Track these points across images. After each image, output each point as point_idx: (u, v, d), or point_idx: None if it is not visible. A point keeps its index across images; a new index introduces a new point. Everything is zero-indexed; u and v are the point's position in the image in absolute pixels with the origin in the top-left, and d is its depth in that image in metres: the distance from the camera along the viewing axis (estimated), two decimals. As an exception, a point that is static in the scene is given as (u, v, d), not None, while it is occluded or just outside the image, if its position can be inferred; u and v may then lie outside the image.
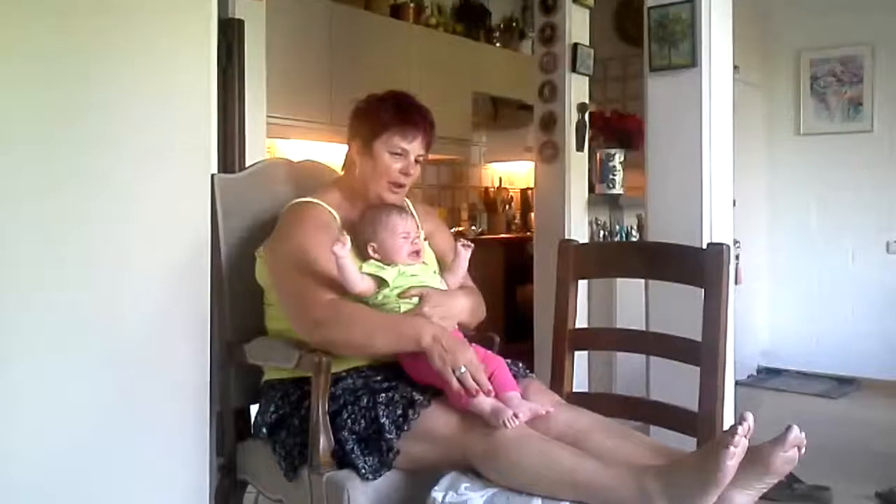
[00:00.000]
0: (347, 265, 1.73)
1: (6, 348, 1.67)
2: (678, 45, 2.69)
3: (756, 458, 1.44)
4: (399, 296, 1.79)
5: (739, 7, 2.95)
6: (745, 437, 1.41)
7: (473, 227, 5.90)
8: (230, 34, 3.35)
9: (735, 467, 1.41)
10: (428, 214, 2.14)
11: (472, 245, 1.94)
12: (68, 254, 1.76)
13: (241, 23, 3.41)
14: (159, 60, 1.91)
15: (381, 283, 1.79)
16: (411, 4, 5.47)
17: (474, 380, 1.62)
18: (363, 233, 1.87)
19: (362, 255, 1.85)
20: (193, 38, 1.99)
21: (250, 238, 2.01)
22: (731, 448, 1.39)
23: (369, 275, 1.79)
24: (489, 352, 1.80)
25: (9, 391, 1.67)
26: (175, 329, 1.94)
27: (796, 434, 1.44)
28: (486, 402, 1.61)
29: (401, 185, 1.93)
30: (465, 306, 1.90)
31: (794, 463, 1.47)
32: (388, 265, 1.81)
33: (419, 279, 1.83)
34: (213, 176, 2.01)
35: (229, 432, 2.00)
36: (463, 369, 1.62)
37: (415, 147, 1.92)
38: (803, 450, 1.47)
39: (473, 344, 1.79)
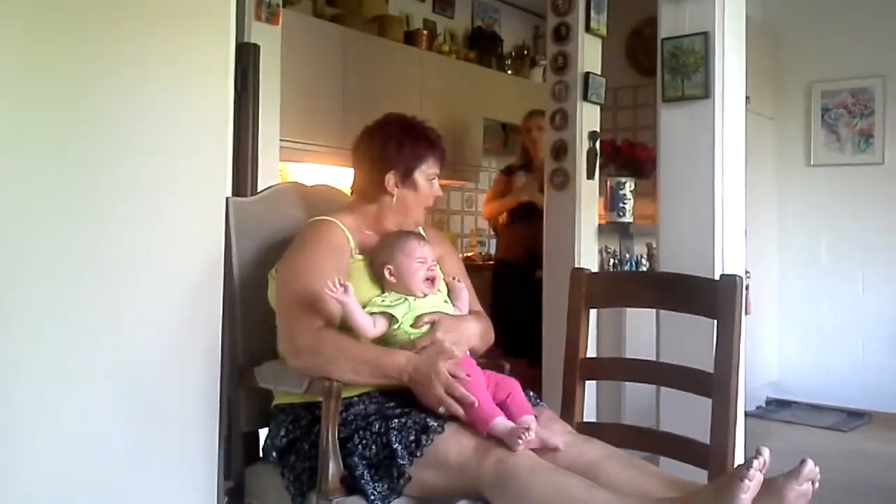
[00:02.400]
0: (354, 311, 1.73)
1: (15, 368, 1.67)
2: (691, 76, 2.70)
3: (769, 490, 1.43)
4: (412, 325, 1.80)
5: (752, 39, 2.97)
6: (761, 471, 1.40)
7: (482, 252, 5.91)
8: (245, 58, 3.37)
9: (749, 501, 1.40)
10: (439, 239, 2.15)
11: (461, 281, 2.00)
12: (80, 274, 1.77)
13: (256, 47, 3.44)
14: (176, 84, 1.93)
15: (391, 319, 1.79)
16: (424, 31, 5.51)
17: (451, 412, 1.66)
18: (380, 256, 1.88)
19: (378, 282, 1.87)
20: (211, 62, 2.01)
21: (263, 261, 2.01)
22: (746, 482, 1.39)
23: (382, 313, 1.79)
24: (504, 376, 1.81)
25: (15, 411, 1.67)
26: (187, 351, 1.94)
27: (811, 467, 1.44)
28: (505, 427, 1.62)
29: (430, 207, 2.03)
30: (476, 331, 1.91)
31: (808, 497, 1.46)
32: (401, 299, 1.81)
33: (429, 307, 1.84)
34: (227, 199, 2.02)
35: (238, 456, 2.00)
36: (441, 410, 1.67)
37: (439, 170, 2.02)
38: (818, 484, 1.46)
39: (487, 371, 1.79)
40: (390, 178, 1.95)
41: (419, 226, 2.03)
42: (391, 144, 1.96)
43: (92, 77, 1.78)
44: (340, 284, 1.70)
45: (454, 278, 2.00)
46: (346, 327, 1.78)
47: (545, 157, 4.14)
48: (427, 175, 1.98)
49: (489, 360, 1.97)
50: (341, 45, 4.66)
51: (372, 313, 1.78)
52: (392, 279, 1.84)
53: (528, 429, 1.59)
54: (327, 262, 1.83)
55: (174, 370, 1.92)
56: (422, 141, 1.98)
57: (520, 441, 1.57)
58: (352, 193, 2.05)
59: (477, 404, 1.65)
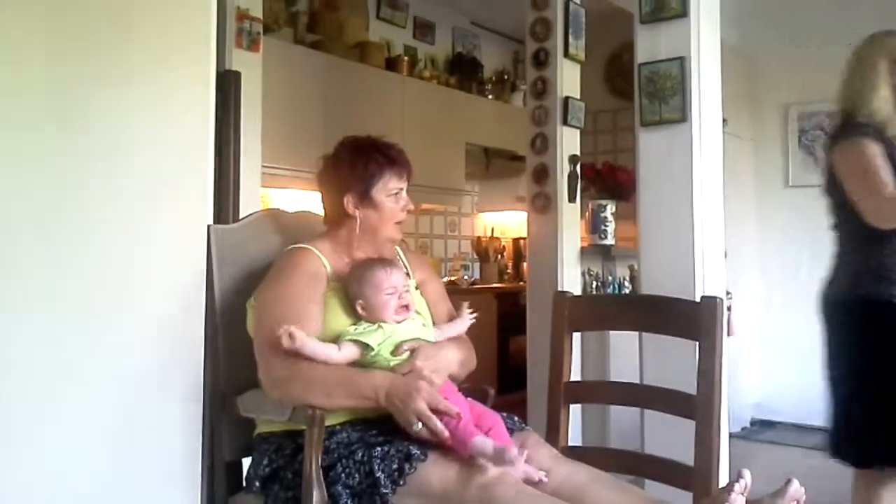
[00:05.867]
0: (310, 347, 1.71)
1: (-3, 400, 1.65)
2: (668, 100, 2.73)
3: (754, 513, 1.44)
4: (391, 353, 1.79)
5: (727, 63, 3.01)
6: (742, 494, 1.41)
7: (465, 277, 5.91)
8: (227, 86, 3.38)
9: (733, 524, 1.40)
10: (420, 263, 2.14)
11: (476, 316, 1.98)
12: (61, 302, 1.75)
13: (237, 74, 3.46)
14: (157, 111, 1.93)
15: (365, 347, 1.77)
16: (405, 58, 5.56)
17: (430, 428, 1.63)
18: (349, 290, 1.87)
19: (353, 312, 1.85)
20: (192, 90, 2.01)
21: (244, 289, 2.00)
22: (729, 505, 1.39)
23: (353, 341, 1.77)
24: (486, 408, 1.79)
25: (-2, 443, 1.65)
26: (168, 380, 1.93)
27: (796, 488, 1.45)
28: (487, 445, 1.60)
29: (401, 221, 1.98)
30: (456, 358, 1.89)
31: (793, 518, 1.46)
32: (374, 326, 1.80)
33: (408, 334, 1.82)
34: (209, 227, 2.02)
35: (221, 486, 1.97)
36: (419, 426, 1.63)
37: (405, 182, 1.97)
38: (802, 504, 1.47)
39: (469, 399, 1.78)
40: (349, 202, 1.93)
41: (395, 243, 2.00)
42: (343, 167, 1.94)
43: (71, 104, 1.78)
44: (288, 334, 1.67)
45: (469, 312, 1.97)
46: None
47: None
48: (387, 191, 1.93)
49: (472, 385, 1.96)
50: (322, 71, 4.69)
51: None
52: (364, 313, 1.83)
53: (518, 449, 1.59)
54: (302, 291, 1.82)
55: (156, 399, 1.90)
56: (374, 158, 1.93)
57: (508, 463, 1.57)
58: (324, 222, 2.05)
59: (459, 414, 1.64)
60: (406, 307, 1.84)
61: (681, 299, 2.04)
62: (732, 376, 2.99)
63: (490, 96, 6.24)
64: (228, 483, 1.97)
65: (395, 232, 1.97)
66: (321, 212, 2.05)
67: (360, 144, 1.97)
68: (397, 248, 2.06)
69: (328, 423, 1.71)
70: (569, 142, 4.15)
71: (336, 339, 1.78)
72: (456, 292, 5.16)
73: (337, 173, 1.95)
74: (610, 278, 4.27)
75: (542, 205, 4.10)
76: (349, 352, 1.76)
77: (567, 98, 4.10)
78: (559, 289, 3.78)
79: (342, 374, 1.74)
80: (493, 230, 6.40)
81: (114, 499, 1.82)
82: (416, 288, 2.01)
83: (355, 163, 1.93)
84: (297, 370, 1.73)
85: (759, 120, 5.21)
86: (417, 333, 1.84)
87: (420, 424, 1.64)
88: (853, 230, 2.47)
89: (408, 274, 2.00)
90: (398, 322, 1.82)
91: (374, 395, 1.69)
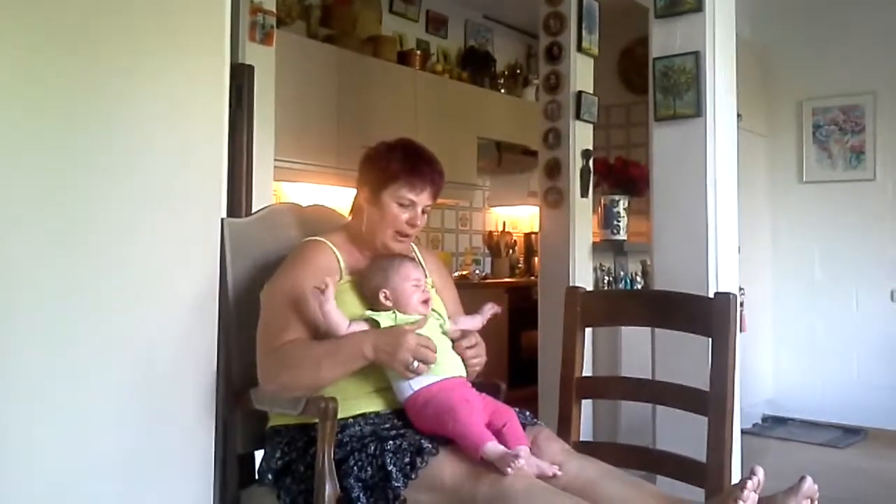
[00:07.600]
0: (329, 306, 1.73)
1: (12, 390, 1.66)
2: (683, 95, 2.72)
3: (768, 509, 1.43)
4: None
5: (742, 57, 3.00)
6: (755, 491, 1.40)
7: (477, 271, 5.91)
8: (240, 79, 3.39)
9: (746, 521, 1.40)
10: (438, 267, 2.13)
11: (499, 311, 1.97)
12: (75, 297, 1.76)
13: (251, 68, 3.46)
14: (171, 104, 1.94)
15: (376, 325, 1.78)
16: (418, 52, 5.55)
17: (425, 360, 1.68)
18: (373, 280, 1.86)
19: (366, 302, 1.86)
20: (206, 83, 2.02)
21: (258, 282, 2.00)
22: (741, 502, 1.39)
23: (365, 320, 1.78)
24: (500, 404, 1.79)
25: (11, 433, 1.66)
26: (182, 372, 1.94)
27: (810, 485, 1.44)
28: (497, 450, 1.60)
29: (406, 235, 1.94)
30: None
31: (806, 514, 1.46)
32: (389, 312, 1.80)
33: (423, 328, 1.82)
34: (223, 220, 2.02)
35: (233, 478, 1.99)
36: (415, 364, 1.66)
37: (422, 198, 1.92)
38: (816, 501, 1.46)
39: (483, 394, 1.78)
40: (361, 195, 1.95)
41: (389, 251, 1.92)
42: (373, 161, 1.95)
43: (86, 98, 1.78)
44: (323, 287, 1.70)
45: (492, 307, 1.96)
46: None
47: None
48: (397, 197, 1.89)
49: (484, 379, 1.96)
50: (335, 65, 4.69)
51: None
52: (388, 303, 1.83)
53: (517, 456, 1.57)
54: (309, 285, 1.82)
55: (169, 391, 1.91)
56: (398, 161, 1.90)
57: (510, 469, 1.55)
58: (349, 213, 2.05)
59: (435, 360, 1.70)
60: (426, 302, 1.85)
61: (694, 295, 2.03)
62: (744, 372, 2.98)
63: (502, 90, 6.22)
64: (241, 475, 1.99)
65: (393, 240, 1.92)
66: (339, 204, 2.05)
67: (397, 145, 1.96)
68: (414, 247, 2.05)
69: (340, 416, 1.71)
70: (581, 136, 4.13)
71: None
72: (467, 287, 5.16)
73: (365, 166, 1.96)
74: (622, 273, 4.26)
75: (555, 199, 4.09)
76: (358, 327, 1.77)
77: (580, 92, 4.09)
78: (571, 284, 3.78)
79: (325, 346, 1.75)
80: (504, 224, 6.39)
81: (127, 491, 1.83)
82: (432, 287, 2.01)
83: (381, 160, 1.93)
84: (282, 356, 1.75)
85: (773, 115, 5.18)
86: (429, 334, 1.83)
87: (416, 363, 1.67)
88: None
89: (426, 274, 2.01)
90: (420, 316, 1.82)
91: (360, 353, 1.71)
